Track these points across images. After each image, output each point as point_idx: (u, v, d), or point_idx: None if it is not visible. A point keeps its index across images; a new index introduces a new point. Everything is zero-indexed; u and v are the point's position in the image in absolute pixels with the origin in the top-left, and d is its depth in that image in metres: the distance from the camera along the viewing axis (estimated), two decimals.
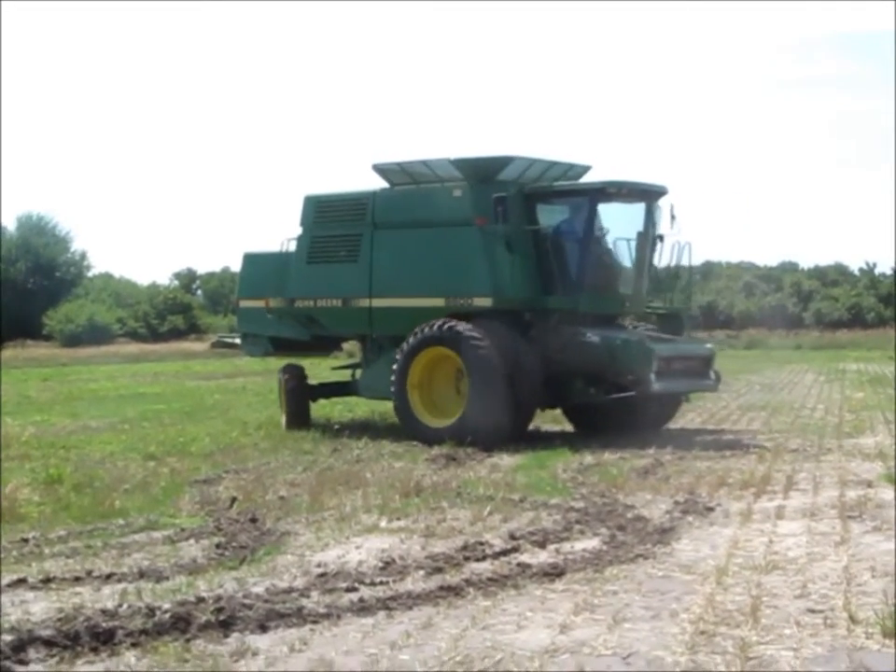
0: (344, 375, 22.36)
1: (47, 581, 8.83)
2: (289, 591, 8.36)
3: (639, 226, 19.82)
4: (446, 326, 18.57)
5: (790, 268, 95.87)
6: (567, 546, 9.99)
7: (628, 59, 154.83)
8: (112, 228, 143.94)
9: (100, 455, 16.95)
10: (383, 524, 11.25)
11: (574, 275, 19.23)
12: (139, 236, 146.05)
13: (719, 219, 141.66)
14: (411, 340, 19.00)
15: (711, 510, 11.78)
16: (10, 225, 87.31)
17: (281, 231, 21.50)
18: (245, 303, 22.94)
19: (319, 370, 24.50)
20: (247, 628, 7.44)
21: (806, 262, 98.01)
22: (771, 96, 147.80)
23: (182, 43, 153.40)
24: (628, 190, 19.71)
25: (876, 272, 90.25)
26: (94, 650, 7.02)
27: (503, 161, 19.44)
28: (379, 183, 20.79)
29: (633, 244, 19.76)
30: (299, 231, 21.50)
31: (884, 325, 75.20)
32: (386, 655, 6.89)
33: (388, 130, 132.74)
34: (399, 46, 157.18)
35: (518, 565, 9.18)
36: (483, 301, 19.03)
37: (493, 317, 18.86)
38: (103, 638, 7.15)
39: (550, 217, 19.78)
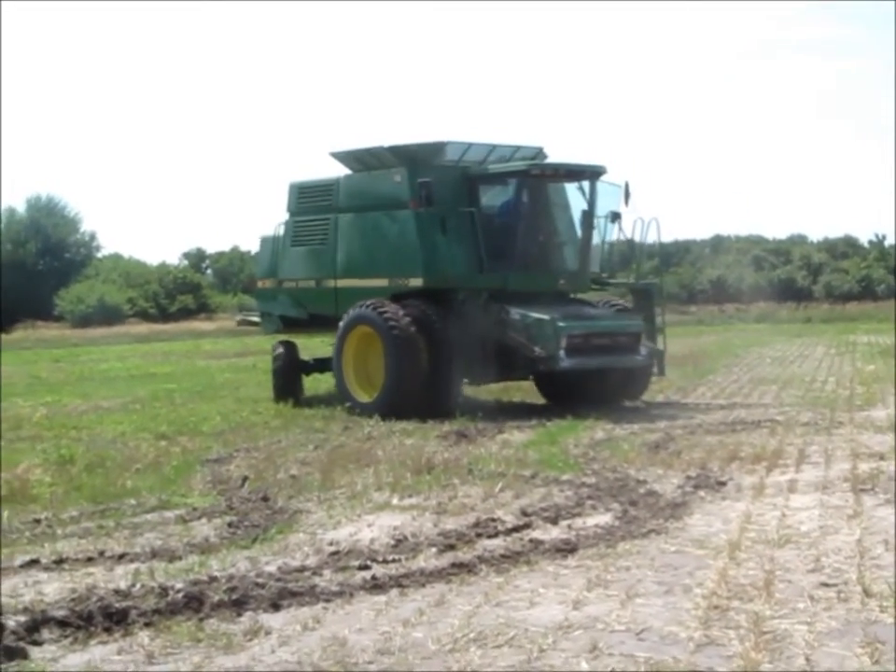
0: None
1: (59, 561, 8.84)
2: (302, 569, 8.36)
3: (583, 205, 20.58)
4: (369, 305, 19.58)
5: (799, 241, 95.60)
6: (579, 522, 9.98)
7: (620, 34, 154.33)
8: (121, 208, 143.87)
9: (111, 435, 16.98)
10: (394, 501, 11.25)
11: (503, 254, 19.95)
12: (148, 216, 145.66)
13: (727, 193, 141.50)
14: (344, 318, 20.15)
15: (723, 484, 11.76)
16: (20, 206, 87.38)
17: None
18: (260, 283, 24.16)
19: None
20: (260, 607, 7.45)
21: (815, 235, 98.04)
22: (779, 66, 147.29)
23: (190, 24, 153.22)
24: (553, 171, 20.63)
25: (886, 244, 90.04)
26: (107, 630, 7.03)
27: (435, 147, 20.57)
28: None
29: (577, 222, 20.70)
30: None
31: (894, 296, 75.03)
32: (399, 633, 6.89)
33: (410, 112, 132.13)
34: (406, 34, 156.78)
35: (530, 541, 9.17)
36: (416, 281, 20.12)
37: (426, 296, 19.83)
38: (116, 618, 7.15)
39: (490, 198, 20.66)
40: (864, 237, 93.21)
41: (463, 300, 19.92)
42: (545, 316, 18.97)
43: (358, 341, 19.98)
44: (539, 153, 21.70)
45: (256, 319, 24.94)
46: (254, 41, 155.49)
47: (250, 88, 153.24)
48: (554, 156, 21.48)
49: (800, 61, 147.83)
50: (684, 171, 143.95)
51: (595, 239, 20.83)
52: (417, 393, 18.93)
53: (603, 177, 20.57)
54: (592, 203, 20.51)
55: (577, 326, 19.21)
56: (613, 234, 21.10)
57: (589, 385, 20.13)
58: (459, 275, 19.90)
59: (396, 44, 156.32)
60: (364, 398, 19.75)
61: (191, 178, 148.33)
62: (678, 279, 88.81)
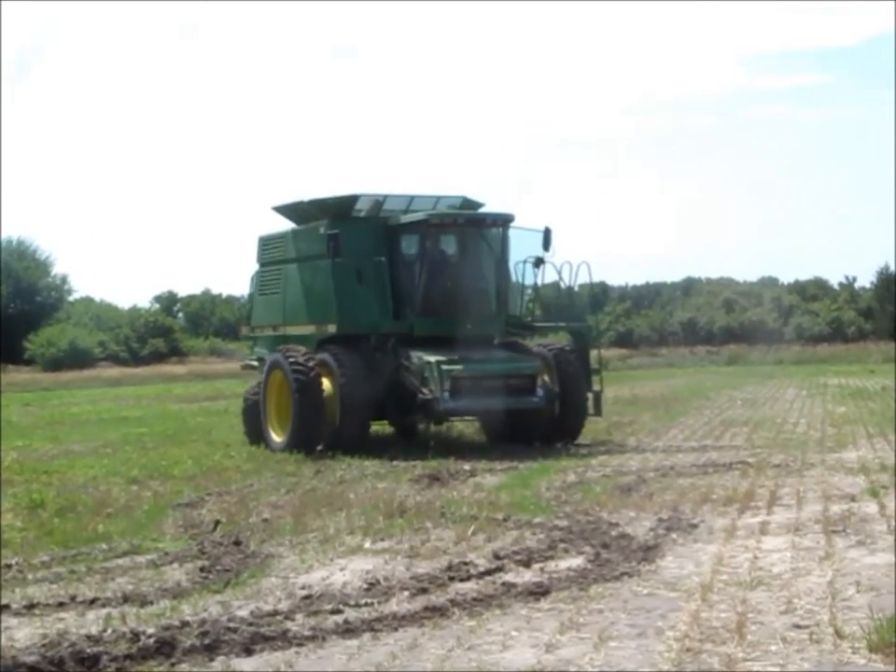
0: None
1: (30, 606, 8.79)
2: (274, 613, 8.34)
3: (498, 252, 21.48)
4: (281, 351, 20.64)
5: (769, 283, 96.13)
6: (551, 565, 9.97)
7: (612, 74, 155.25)
8: (93, 251, 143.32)
9: (83, 480, 16.88)
10: (367, 545, 11.24)
11: (410, 301, 20.82)
12: (120, 259, 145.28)
13: (698, 236, 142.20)
14: (265, 365, 21.39)
15: (695, 526, 11.78)
16: None
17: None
18: (244, 330, 25.76)
19: None
20: (232, 651, 7.42)
21: (786, 277, 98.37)
22: (749, 110, 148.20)
23: (164, 66, 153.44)
24: (452, 220, 21.55)
25: (856, 286, 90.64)
26: None
27: (350, 199, 21.41)
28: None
29: (491, 268, 21.49)
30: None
31: (864, 339, 75.49)
32: None
33: (386, 155, 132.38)
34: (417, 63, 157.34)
35: (503, 584, 9.16)
36: (332, 328, 21.00)
37: (344, 342, 20.73)
38: (87, 664, 7.13)
39: (407, 247, 21.42)
40: (834, 279, 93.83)
41: (375, 345, 20.77)
42: (432, 359, 19.55)
43: (278, 385, 20.79)
44: (465, 202, 22.44)
45: (255, 364, 25.03)
46: (228, 77, 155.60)
47: (224, 129, 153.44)
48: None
49: (771, 107, 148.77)
50: (655, 214, 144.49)
51: (528, 284, 21.78)
52: (323, 433, 19.74)
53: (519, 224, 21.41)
54: (503, 249, 21.35)
55: (463, 368, 19.71)
56: (538, 279, 21.84)
57: (524, 426, 20.51)
58: (370, 322, 20.84)
59: (391, 98, 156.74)
60: (280, 439, 20.46)
61: (163, 221, 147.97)
62: (648, 321, 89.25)
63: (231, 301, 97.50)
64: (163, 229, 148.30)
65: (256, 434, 21.62)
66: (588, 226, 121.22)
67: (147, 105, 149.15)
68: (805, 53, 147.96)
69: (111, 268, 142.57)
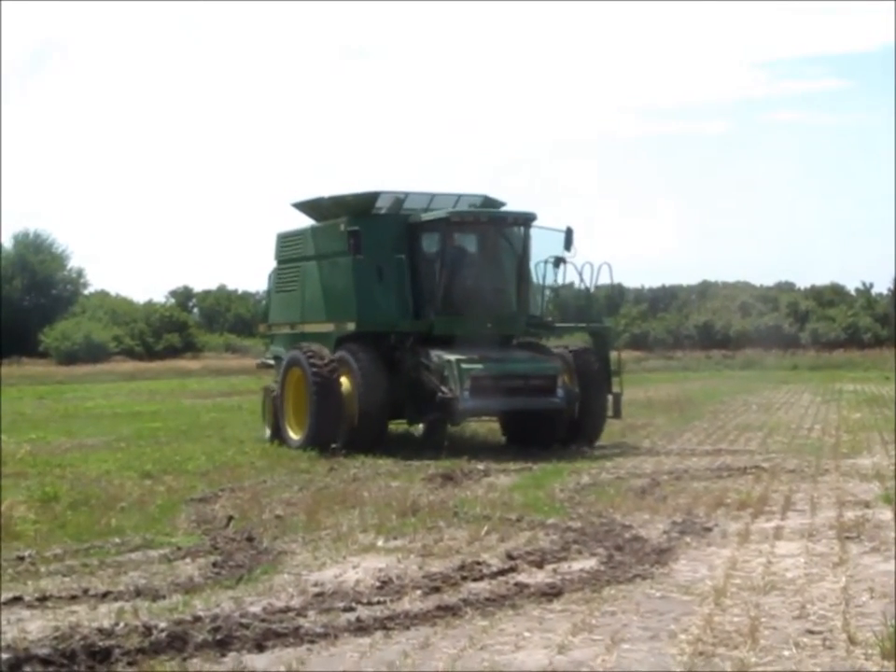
0: None
1: (43, 599, 8.81)
2: (286, 610, 8.33)
3: (519, 250, 21.37)
4: (300, 349, 20.67)
5: (786, 288, 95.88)
6: (564, 566, 9.96)
7: (628, 78, 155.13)
8: (108, 245, 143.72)
9: (96, 474, 16.89)
10: (380, 543, 11.23)
11: (430, 300, 20.71)
12: (135, 253, 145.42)
13: (715, 239, 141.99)
14: (283, 362, 21.43)
15: (709, 530, 11.76)
16: (7, 242, 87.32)
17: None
18: (262, 328, 25.86)
19: None
20: (244, 648, 7.42)
21: (803, 282, 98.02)
22: (764, 115, 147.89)
23: (182, 61, 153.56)
24: (474, 218, 21.38)
25: (873, 292, 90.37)
26: (91, 668, 7.01)
27: (371, 197, 21.32)
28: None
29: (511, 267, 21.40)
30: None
31: (881, 345, 75.23)
32: None
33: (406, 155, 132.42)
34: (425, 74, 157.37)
35: (516, 584, 9.15)
36: (351, 326, 20.90)
37: (363, 340, 20.67)
38: (99, 657, 7.13)
39: (429, 245, 21.29)
40: (851, 285, 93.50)
41: (394, 343, 20.69)
42: (452, 358, 19.46)
43: (295, 383, 20.85)
44: (486, 200, 22.37)
45: (271, 362, 25.02)
46: (247, 72, 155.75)
47: (243, 124, 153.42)
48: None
49: (788, 113, 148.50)
50: (672, 216, 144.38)
51: (548, 283, 21.74)
52: (340, 431, 19.79)
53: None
54: (524, 248, 21.24)
55: (483, 368, 19.63)
56: (559, 279, 21.82)
57: (544, 428, 20.47)
58: (390, 320, 20.68)
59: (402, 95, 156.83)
60: (297, 436, 20.55)
61: (179, 216, 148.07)
62: (664, 324, 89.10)
63: (246, 297, 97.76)
64: (180, 224, 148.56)
65: (278, 427, 21.61)
66: (604, 228, 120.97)
67: (166, 101, 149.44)
68: (821, 58, 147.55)
69: (127, 262, 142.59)
